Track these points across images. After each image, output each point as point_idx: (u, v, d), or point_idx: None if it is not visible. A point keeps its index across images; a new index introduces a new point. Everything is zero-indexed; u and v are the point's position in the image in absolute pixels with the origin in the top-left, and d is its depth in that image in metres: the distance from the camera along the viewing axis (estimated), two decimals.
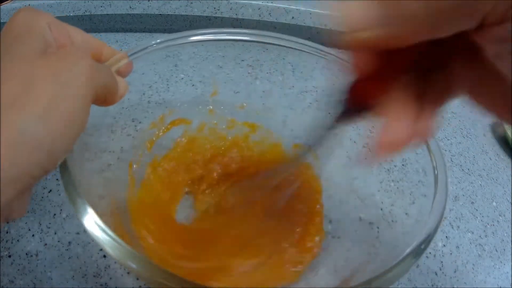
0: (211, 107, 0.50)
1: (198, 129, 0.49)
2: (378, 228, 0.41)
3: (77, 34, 0.30)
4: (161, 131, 0.46)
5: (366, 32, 0.18)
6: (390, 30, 0.18)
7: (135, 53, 0.39)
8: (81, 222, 0.25)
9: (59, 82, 0.22)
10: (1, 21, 0.65)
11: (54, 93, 0.22)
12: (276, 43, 0.46)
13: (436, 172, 0.35)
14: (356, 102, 0.23)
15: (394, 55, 0.21)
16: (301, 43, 0.46)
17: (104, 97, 0.27)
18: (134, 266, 0.24)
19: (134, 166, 0.42)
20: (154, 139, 0.45)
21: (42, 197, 0.42)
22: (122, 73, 0.34)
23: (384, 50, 0.20)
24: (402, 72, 0.22)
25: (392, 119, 0.23)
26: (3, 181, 0.19)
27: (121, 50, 0.35)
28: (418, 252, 0.28)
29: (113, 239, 0.25)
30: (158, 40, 0.41)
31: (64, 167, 0.27)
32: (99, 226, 0.25)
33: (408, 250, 0.29)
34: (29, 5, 0.66)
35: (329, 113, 0.26)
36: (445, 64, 0.22)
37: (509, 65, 0.17)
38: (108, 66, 0.32)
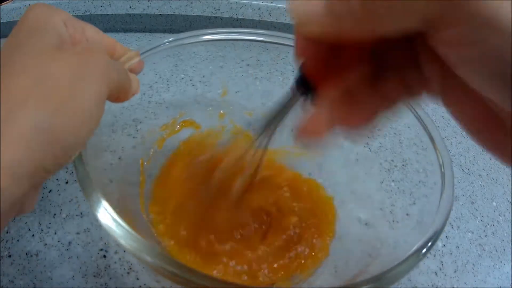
0: (219, 110, 0.50)
1: (206, 131, 0.50)
2: (378, 228, 0.41)
3: (92, 31, 0.30)
4: (170, 132, 0.47)
5: (311, 26, 0.20)
6: (332, 26, 0.19)
7: (148, 50, 0.40)
8: (96, 216, 0.26)
9: (74, 77, 0.22)
10: (1, 21, 0.65)
11: (69, 88, 0.21)
12: (278, 41, 0.46)
13: (443, 170, 0.34)
14: (304, 84, 0.25)
15: (344, 49, 0.22)
16: None
17: (118, 93, 0.27)
18: (149, 259, 0.24)
19: (145, 163, 0.42)
20: (165, 137, 0.46)
21: (42, 197, 0.42)
22: (135, 71, 0.34)
23: (330, 44, 0.21)
24: (351, 66, 0.23)
25: (320, 109, 0.25)
26: (18, 175, 0.19)
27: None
28: (428, 246, 0.29)
29: (127, 230, 0.25)
30: (170, 39, 0.41)
31: (78, 162, 0.27)
32: (113, 218, 0.26)
33: (419, 244, 0.29)
34: (28, 5, 0.66)
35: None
36: (399, 66, 0.23)
37: (467, 74, 0.17)
38: (122, 63, 0.32)
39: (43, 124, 0.20)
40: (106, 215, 0.26)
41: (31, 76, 0.21)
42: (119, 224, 0.25)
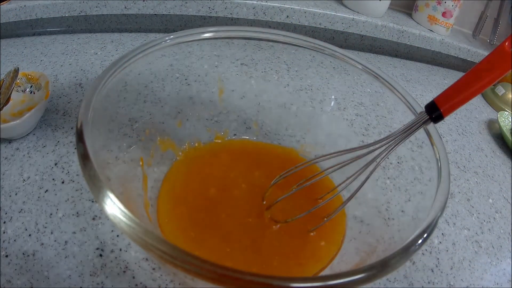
0: (214, 110, 0.51)
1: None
2: (373, 226, 0.41)
3: None
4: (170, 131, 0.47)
5: None
6: None
7: (148, 48, 0.40)
8: (103, 208, 0.25)
9: None
10: (1, 21, 0.65)
11: None
12: (274, 39, 0.46)
13: (439, 164, 0.35)
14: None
15: None
16: (298, 38, 0.46)
17: None
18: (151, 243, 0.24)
19: (146, 163, 0.43)
20: (164, 137, 0.46)
21: (39, 197, 0.42)
22: None
23: None
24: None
25: None
26: None
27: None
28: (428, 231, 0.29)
29: (130, 218, 0.25)
30: (171, 36, 0.42)
31: (85, 157, 0.28)
32: (120, 209, 0.25)
33: (418, 231, 0.29)
34: (24, 6, 0.66)
35: None
36: None
37: None
38: None
39: None
40: (113, 207, 0.25)
41: None
42: (127, 215, 0.25)
